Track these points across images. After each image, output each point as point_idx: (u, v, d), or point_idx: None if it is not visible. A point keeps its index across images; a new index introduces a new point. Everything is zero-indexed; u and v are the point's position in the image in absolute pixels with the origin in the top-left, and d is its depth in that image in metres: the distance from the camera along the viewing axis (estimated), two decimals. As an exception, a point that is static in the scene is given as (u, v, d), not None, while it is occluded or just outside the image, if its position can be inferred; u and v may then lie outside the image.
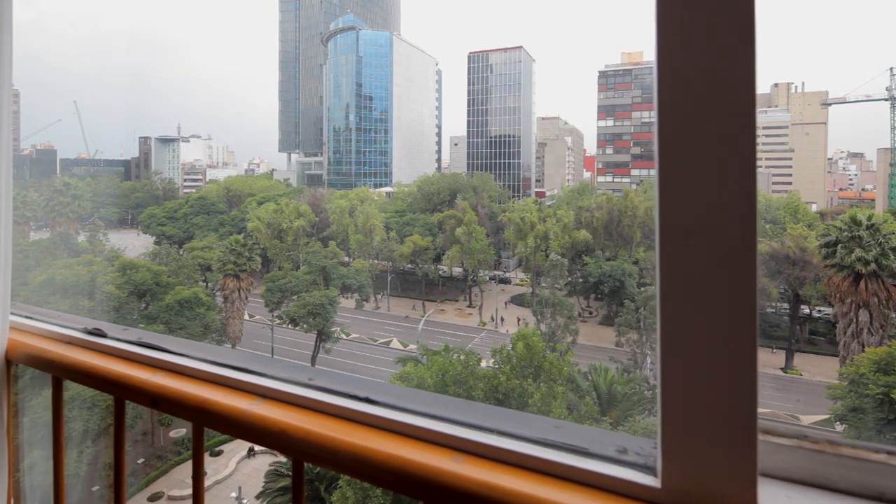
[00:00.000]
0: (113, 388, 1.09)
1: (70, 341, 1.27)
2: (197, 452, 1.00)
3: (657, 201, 0.61)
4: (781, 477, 0.65)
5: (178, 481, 24.18)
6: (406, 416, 0.83)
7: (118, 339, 1.22)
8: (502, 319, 49.62)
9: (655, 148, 0.62)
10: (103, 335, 1.24)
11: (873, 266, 26.24)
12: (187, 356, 1.08)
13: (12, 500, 1.33)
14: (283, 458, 20.48)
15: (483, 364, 22.61)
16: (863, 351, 23.59)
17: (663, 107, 0.60)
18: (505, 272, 63.72)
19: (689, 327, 0.60)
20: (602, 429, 0.90)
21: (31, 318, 1.43)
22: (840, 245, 27.79)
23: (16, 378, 1.36)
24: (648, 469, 0.68)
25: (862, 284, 26.59)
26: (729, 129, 0.57)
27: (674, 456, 0.63)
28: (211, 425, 0.95)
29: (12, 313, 1.36)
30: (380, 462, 0.77)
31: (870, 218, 28.34)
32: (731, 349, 0.58)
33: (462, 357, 21.37)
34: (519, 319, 44.45)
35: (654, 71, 0.61)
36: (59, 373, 1.21)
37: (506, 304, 52.11)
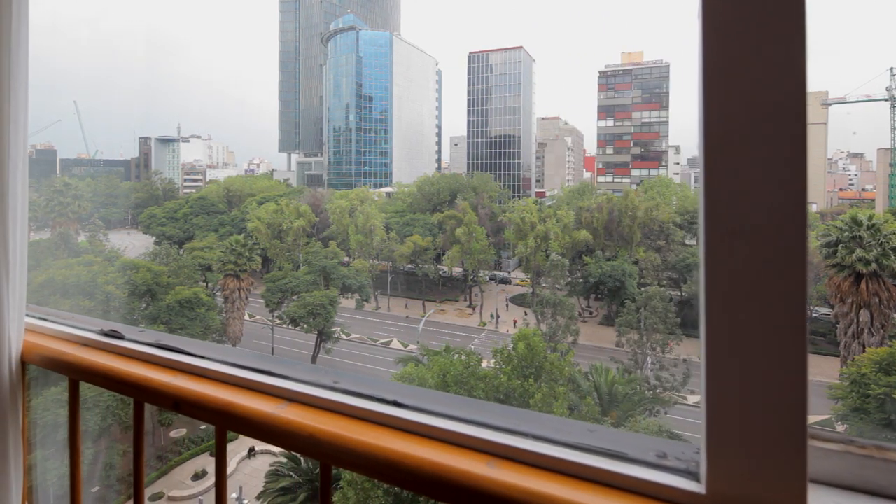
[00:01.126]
0: (133, 391, 1.07)
1: (86, 343, 1.26)
2: (220, 456, 0.99)
3: (702, 202, 0.60)
4: (829, 483, 0.63)
5: (178, 482, 24.16)
6: (435, 419, 0.82)
7: (135, 341, 1.20)
8: (497, 316, 49.75)
9: (700, 148, 0.60)
10: (120, 337, 1.23)
11: (874, 266, 26.24)
12: (207, 358, 1.07)
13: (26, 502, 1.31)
14: (283, 459, 20.43)
15: (484, 364, 22.59)
16: (864, 351, 23.59)
17: (709, 106, 0.59)
18: (506, 272, 63.74)
19: (736, 329, 0.58)
20: (637, 433, 0.88)
21: (44, 319, 1.42)
22: (841, 245, 27.79)
23: (29, 379, 1.35)
24: (690, 474, 0.67)
25: (863, 284, 26.59)
26: (779, 128, 0.56)
27: (719, 461, 0.61)
28: (235, 428, 0.93)
29: (26, 314, 1.35)
30: (413, 467, 0.75)
31: (870, 218, 28.34)
32: (780, 352, 0.57)
33: (463, 357, 21.35)
34: (516, 322, 44.39)
35: (699, 69, 0.60)
36: (76, 375, 1.20)
37: (507, 305, 52.10)
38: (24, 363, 1.29)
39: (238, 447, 27.28)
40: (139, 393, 1.06)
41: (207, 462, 25.87)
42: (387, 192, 77.25)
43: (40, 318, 1.40)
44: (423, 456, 0.76)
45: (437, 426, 0.80)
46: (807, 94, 0.56)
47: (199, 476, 24.30)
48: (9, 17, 1.15)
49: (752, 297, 0.58)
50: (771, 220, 0.56)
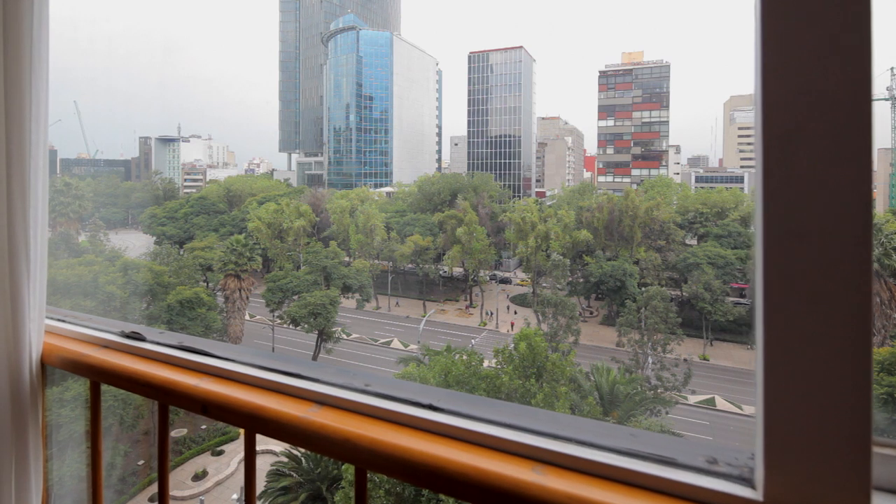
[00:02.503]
0: (158, 394, 1.06)
1: (106, 345, 1.24)
2: (249, 460, 0.98)
3: (760, 202, 0.58)
4: (892, 490, 0.61)
5: (179, 482, 24.15)
6: (474, 423, 0.80)
7: (158, 343, 1.19)
8: (490, 313, 49.85)
9: (758, 144, 0.58)
10: (142, 339, 1.21)
11: (875, 266, 26.25)
12: (234, 360, 1.05)
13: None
14: (284, 459, 20.39)
15: (485, 364, 22.57)
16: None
17: (769, 107, 0.57)
18: (506, 272, 63.73)
19: (796, 332, 0.56)
20: (682, 437, 0.87)
21: (63, 320, 1.40)
22: (842, 245, 27.80)
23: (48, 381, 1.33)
24: (745, 480, 0.65)
25: (864, 284, 26.60)
26: (843, 123, 0.54)
27: (777, 467, 0.59)
28: (266, 432, 0.92)
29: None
30: (455, 472, 0.74)
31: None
32: (843, 355, 0.55)
33: (465, 357, 21.33)
34: (513, 325, 44.39)
35: (757, 62, 0.58)
36: (99, 377, 1.18)
37: (508, 307, 52.10)
38: (43, 364, 1.28)
39: (239, 447, 27.29)
40: (165, 396, 1.05)
41: (208, 462, 25.84)
42: (387, 192, 77.25)
43: (58, 320, 1.39)
44: (466, 461, 0.74)
45: (476, 430, 0.78)
46: (872, 92, 0.54)
47: (199, 476, 24.29)
48: (29, 13, 1.14)
49: (814, 301, 0.55)
50: (834, 221, 0.54)
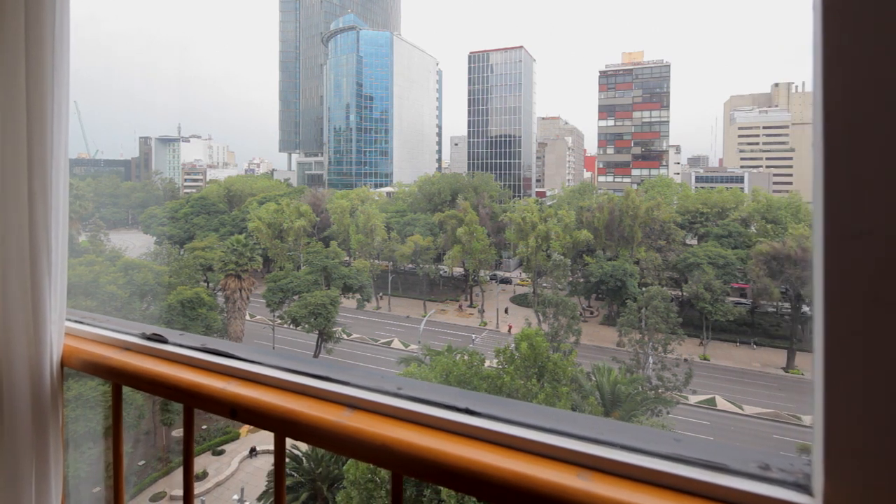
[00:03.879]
0: (184, 397, 1.04)
1: (128, 347, 1.23)
2: (279, 465, 0.97)
3: (820, 200, 0.55)
4: None
5: (180, 482, 24.13)
6: (513, 428, 0.79)
7: (180, 345, 1.17)
8: (480, 310, 49.95)
9: (818, 140, 0.56)
10: (164, 341, 1.20)
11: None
12: (260, 363, 1.04)
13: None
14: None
15: (486, 364, 22.57)
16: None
17: (829, 95, 0.54)
18: (506, 272, 63.73)
19: (858, 336, 0.54)
20: (730, 443, 0.85)
21: (81, 322, 1.39)
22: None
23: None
24: (801, 487, 0.63)
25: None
26: None
27: (838, 474, 0.57)
28: (296, 436, 0.91)
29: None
30: (497, 478, 0.72)
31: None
32: None
33: (466, 357, 21.32)
34: (511, 328, 44.36)
35: (817, 54, 0.55)
36: (121, 380, 1.17)
37: (506, 309, 52.11)
38: (63, 368, 1.26)
39: (239, 447, 27.28)
40: (191, 399, 1.03)
41: (208, 462, 25.84)
42: (387, 192, 77.23)
43: (76, 321, 1.37)
44: (508, 466, 0.73)
45: (516, 435, 0.77)
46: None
47: (199, 478, 24.27)
48: (52, 10, 1.12)
49: (877, 304, 0.53)
50: None
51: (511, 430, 0.78)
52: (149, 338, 1.22)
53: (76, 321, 1.36)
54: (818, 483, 0.60)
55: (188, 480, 1.08)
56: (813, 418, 0.60)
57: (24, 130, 1.12)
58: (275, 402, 0.94)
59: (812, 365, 0.62)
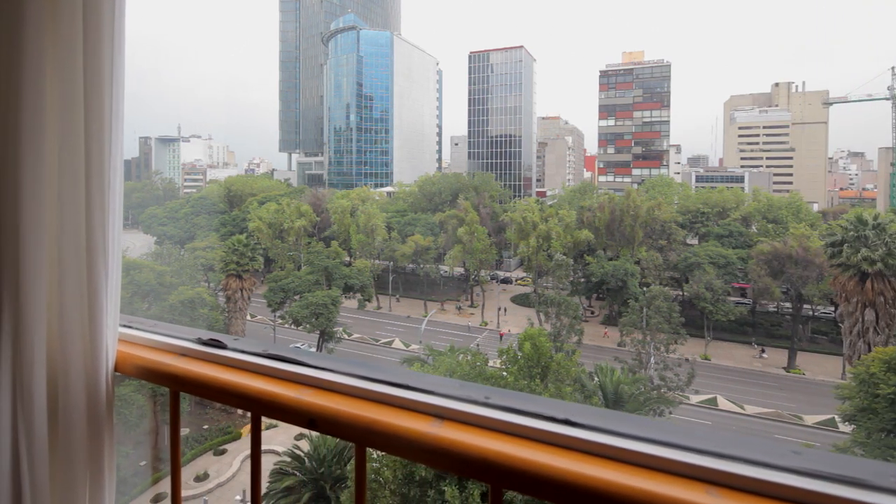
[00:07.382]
0: (253, 405, 1.01)
1: (185, 353, 1.19)
2: (360, 474, 0.93)
3: None
4: None
5: (181, 482, 24.07)
6: (619, 440, 0.75)
7: (241, 351, 1.14)
8: (461, 307, 49.93)
9: None
10: (222, 346, 1.16)
11: (879, 265, 26.21)
12: (333, 371, 1.00)
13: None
14: (286, 458, 20.24)
15: (489, 364, 22.54)
16: (869, 350, 23.55)
17: None
18: (506, 272, 63.69)
19: None
20: (854, 455, 0.81)
21: (129, 326, 1.35)
22: (846, 244, 27.76)
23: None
24: None
25: (868, 284, 26.57)
26: None
27: None
28: (379, 446, 0.87)
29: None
30: (615, 494, 0.69)
31: (876, 218, 28.31)
32: None
33: (469, 357, 21.30)
34: (502, 336, 44.32)
35: None
36: (181, 387, 1.13)
37: (505, 309, 52.07)
38: (116, 374, 1.23)
39: (240, 447, 27.22)
40: (262, 407, 1.00)
41: (209, 462, 25.79)
42: (388, 192, 77.15)
43: (125, 326, 1.34)
44: (629, 483, 0.69)
45: (628, 448, 0.73)
46: None
47: (200, 479, 24.22)
48: (111, 4, 1.09)
49: None
50: None
51: (618, 442, 0.75)
52: (206, 343, 1.18)
53: (125, 325, 1.33)
54: None
55: (255, 486, 1.04)
56: None
57: (82, 129, 1.08)
58: (356, 412, 0.90)
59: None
